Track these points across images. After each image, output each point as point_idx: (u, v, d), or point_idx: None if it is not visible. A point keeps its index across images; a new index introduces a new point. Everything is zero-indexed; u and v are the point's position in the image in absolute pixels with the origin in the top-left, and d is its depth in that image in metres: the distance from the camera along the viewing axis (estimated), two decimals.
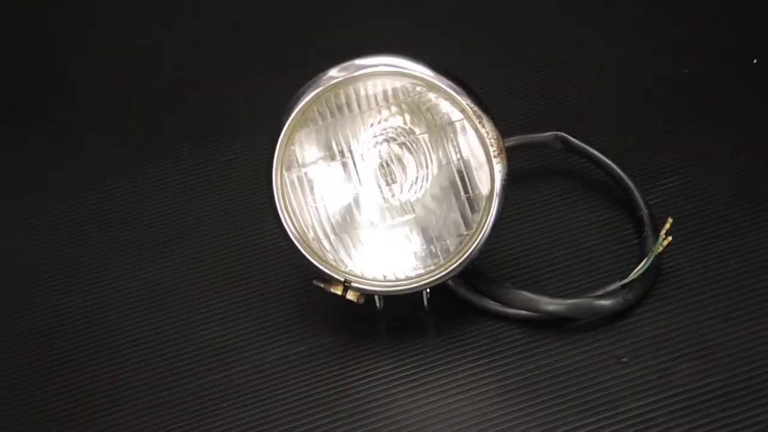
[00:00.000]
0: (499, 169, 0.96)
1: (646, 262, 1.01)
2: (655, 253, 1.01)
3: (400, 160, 0.98)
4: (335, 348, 1.03)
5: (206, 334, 1.05)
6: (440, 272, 0.98)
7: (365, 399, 0.99)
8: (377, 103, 0.96)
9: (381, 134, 0.98)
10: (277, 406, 0.99)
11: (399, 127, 0.98)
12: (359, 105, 0.96)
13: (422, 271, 0.99)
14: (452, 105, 0.95)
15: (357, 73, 0.95)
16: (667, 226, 1.02)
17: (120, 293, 1.10)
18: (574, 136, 1.13)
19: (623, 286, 1.01)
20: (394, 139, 0.98)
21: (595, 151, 1.12)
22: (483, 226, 0.97)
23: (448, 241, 0.98)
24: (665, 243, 1.02)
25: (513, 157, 1.15)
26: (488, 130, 0.96)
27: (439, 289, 1.02)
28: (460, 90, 0.95)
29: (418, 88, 0.95)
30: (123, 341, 1.06)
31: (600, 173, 1.12)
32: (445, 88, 0.95)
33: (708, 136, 1.16)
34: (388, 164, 0.98)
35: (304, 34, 1.38)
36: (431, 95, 0.96)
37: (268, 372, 1.02)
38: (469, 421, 0.96)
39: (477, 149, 0.96)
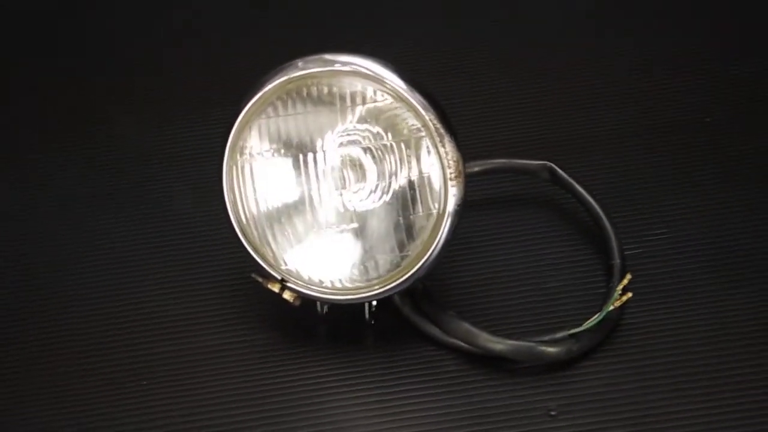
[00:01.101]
0: (453, 192, 0.92)
1: (598, 315, 0.96)
2: (607, 309, 0.95)
3: (361, 166, 0.94)
4: (268, 345, 1.00)
5: (142, 307, 1.03)
6: (378, 289, 0.94)
7: (290, 400, 0.96)
8: (350, 103, 0.92)
9: (347, 135, 0.94)
10: (198, 393, 0.97)
11: (368, 130, 0.94)
12: (331, 101, 0.92)
13: (362, 284, 0.95)
14: (415, 118, 0.91)
15: (325, 69, 0.91)
16: (624, 281, 0.96)
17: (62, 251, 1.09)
18: (564, 169, 1.07)
19: (571, 336, 0.96)
20: (360, 143, 0.94)
21: (580, 188, 1.06)
22: (429, 249, 0.92)
23: (384, 259, 0.94)
24: (624, 299, 0.97)
25: (498, 180, 1.11)
26: (448, 150, 0.91)
27: (384, 303, 0.99)
28: (426, 105, 0.90)
29: (385, 95, 0.91)
30: (54, 298, 1.04)
31: (583, 212, 1.07)
32: (411, 99, 0.90)
33: (703, 193, 1.10)
34: (347, 168, 0.94)
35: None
36: (396, 105, 0.91)
37: (196, 358, 0.99)
38: None
39: (435, 169, 0.92)
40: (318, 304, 0.98)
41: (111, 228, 1.10)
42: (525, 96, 1.21)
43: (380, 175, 0.94)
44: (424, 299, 0.99)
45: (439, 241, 0.92)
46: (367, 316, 0.99)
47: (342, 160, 0.94)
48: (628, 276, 0.97)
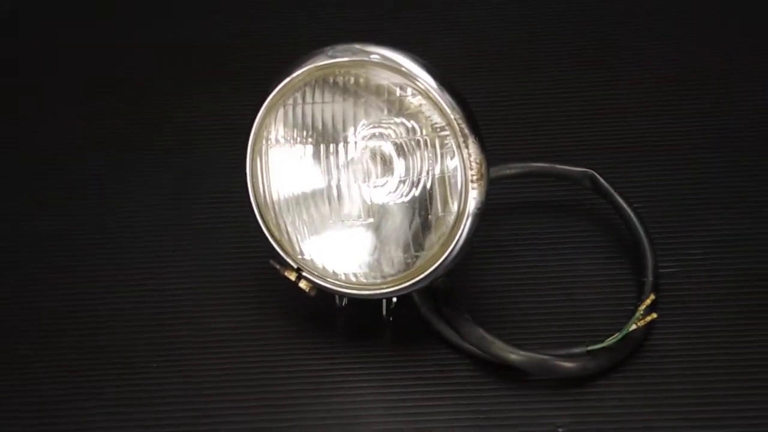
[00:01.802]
0: (474, 195, 0.89)
1: (617, 335, 0.92)
2: (628, 329, 0.92)
3: (388, 160, 0.92)
4: (284, 333, 0.99)
5: (163, 289, 1.03)
6: (393, 287, 0.92)
7: (297, 389, 0.95)
8: (376, 95, 0.90)
9: (376, 128, 0.92)
10: (206, 375, 0.96)
11: (401, 124, 0.92)
12: (357, 92, 0.90)
13: (376, 280, 0.93)
14: (440, 117, 0.89)
15: (353, 59, 0.89)
16: (648, 301, 0.93)
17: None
18: (607, 179, 1.03)
19: (589, 352, 0.93)
20: (389, 137, 0.92)
21: (620, 200, 1.02)
22: (446, 250, 0.90)
23: (399, 257, 0.92)
24: (648, 319, 0.93)
25: (538, 184, 1.08)
26: (471, 151, 0.88)
27: (405, 301, 0.97)
28: (452, 103, 0.88)
29: (412, 90, 0.89)
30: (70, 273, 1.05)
31: (621, 224, 1.03)
32: (437, 96, 0.88)
33: (749, 218, 1.05)
34: (373, 161, 0.92)
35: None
36: (423, 101, 0.89)
37: (210, 340, 0.99)
38: None
39: (457, 169, 0.89)
40: (337, 296, 0.97)
41: (136, 206, 1.10)
42: (575, 101, 1.17)
43: (407, 170, 0.92)
44: (443, 300, 0.97)
45: (456, 242, 0.90)
46: (384, 312, 0.98)
47: (369, 153, 0.92)
48: (652, 296, 0.93)
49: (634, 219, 1.01)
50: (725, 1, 1.27)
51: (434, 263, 0.91)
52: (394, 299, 0.97)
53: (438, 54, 1.20)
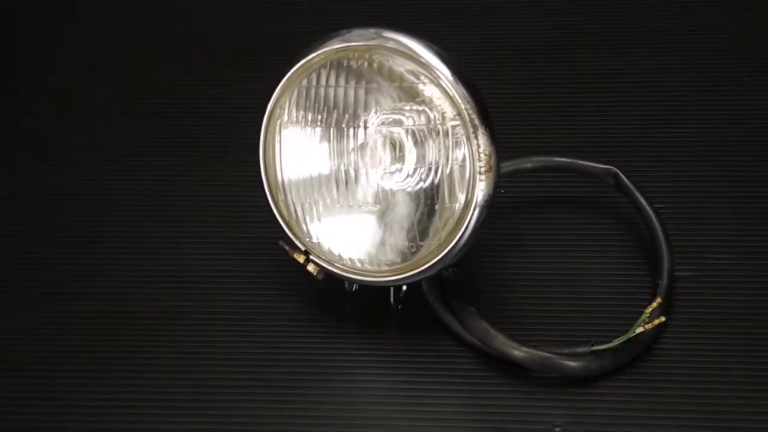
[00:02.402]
0: (481, 187, 0.88)
1: (623, 337, 0.91)
2: (632, 332, 0.90)
3: (400, 147, 0.92)
4: (293, 314, 0.99)
5: (182, 261, 1.04)
6: (398, 275, 0.92)
7: (300, 372, 0.95)
8: (389, 81, 0.90)
9: (391, 114, 0.91)
10: (214, 349, 0.97)
11: (413, 111, 0.91)
12: (371, 77, 0.90)
13: (382, 267, 0.92)
14: (451, 107, 0.88)
15: (366, 43, 0.88)
16: (654, 304, 0.91)
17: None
18: (631, 177, 1.01)
19: (593, 353, 0.91)
20: (403, 123, 0.91)
21: (642, 199, 1.00)
22: (452, 241, 0.89)
23: (404, 245, 0.91)
24: (656, 322, 0.91)
25: (561, 179, 1.07)
26: (481, 143, 0.87)
27: (415, 290, 0.97)
28: (464, 94, 0.87)
29: (425, 79, 0.88)
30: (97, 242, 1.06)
31: (643, 224, 1.01)
32: (449, 86, 0.87)
33: None
34: (386, 147, 0.92)
35: None
36: (435, 90, 0.88)
37: (221, 316, 1.00)
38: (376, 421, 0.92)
39: (466, 160, 0.88)
40: (346, 282, 0.97)
41: (160, 181, 1.11)
42: (606, 96, 1.15)
43: (419, 159, 0.91)
44: (451, 291, 0.96)
45: (463, 234, 0.89)
46: (392, 300, 0.97)
47: (382, 139, 0.92)
48: (659, 299, 0.91)
49: (654, 219, 0.99)
50: None
51: (439, 254, 0.90)
52: (404, 288, 0.97)
53: (469, 43, 1.20)
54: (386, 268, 0.92)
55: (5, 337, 0.99)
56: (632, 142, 1.11)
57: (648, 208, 1.00)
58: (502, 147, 1.07)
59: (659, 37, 1.21)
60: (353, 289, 0.97)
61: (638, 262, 1.01)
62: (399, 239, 0.91)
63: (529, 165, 1.04)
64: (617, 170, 1.02)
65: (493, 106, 1.14)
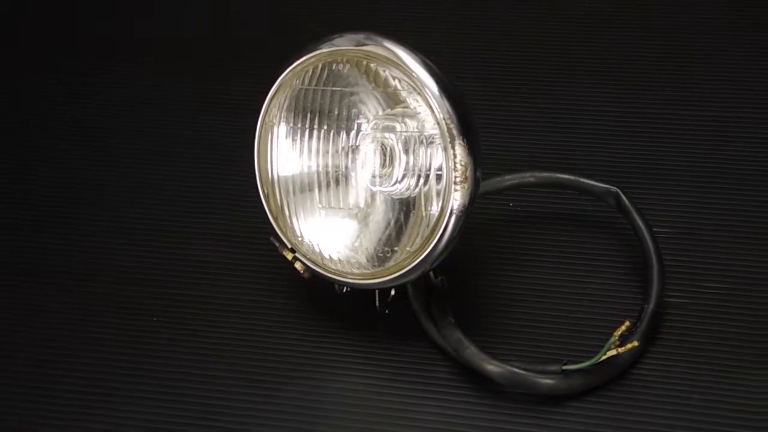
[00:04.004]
0: (456, 197, 0.88)
1: (593, 359, 0.90)
2: (601, 355, 0.89)
3: (391, 153, 0.92)
4: (283, 310, 1.01)
5: (183, 249, 1.07)
6: (373, 279, 0.92)
7: (279, 368, 0.96)
8: (373, 86, 0.91)
9: (382, 120, 0.92)
10: (200, 339, 0.99)
11: (404, 118, 0.92)
12: (356, 81, 0.91)
13: (363, 270, 0.93)
14: (431, 115, 0.88)
15: (353, 48, 0.90)
16: (623, 328, 0.89)
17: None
18: (632, 199, 1.00)
19: (563, 371, 0.91)
20: (394, 129, 0.92)
21: (640, 221, 0.99)
22: (426, 250, 0.90)
23: (379, 249, 0.92)
24: (629, 346, 0.90)
25: (563, 196, 1.06)
26: (457, 153, 0.88)
27: (403, 296, 0.97)
28: (443, 103, 0.87)
29: (407, 86, 0.89)
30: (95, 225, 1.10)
31: (638, 246, 1.00)
32: (428, 95, 0.87)
33: None
34: (374, 152, 0.93)
35: None
36: (417, 98, 0.89)
37: (214, 306, 1.02)
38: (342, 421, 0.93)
39: (443, 170, 0.89)
40: (336, 283, 0.98)
41: (164, 171, 1.14)
42: (616, 116, 1.15)
43: (408, 165, 0.92)
44: (435, 299, 0.97)
45: (438, 242, 0.89)
46: (377, 303, 0.98)
47: (374, 144, 0.93)
48: (627, 323, 0.90)
49: (649, 242, 0.98)
50: None
51: (413, 261, 0.90)
52: (392, 292, 0.98)
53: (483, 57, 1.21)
54: (364, 271, 0.93)
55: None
56: (642, 165, 1.09)
57: (645, 231, 0.99)
58: (505, 161, 1.09)
59: (674, 62, 1.19)
60: (344, 290, 0.99)
61: (632, 285, 0.99)
62: (375, 244, 0.92)
63: (532, 179, 1.04)
64: (618, 190, 1.01)
65: (502, 120, 1.16)
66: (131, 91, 1.25)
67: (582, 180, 1.03)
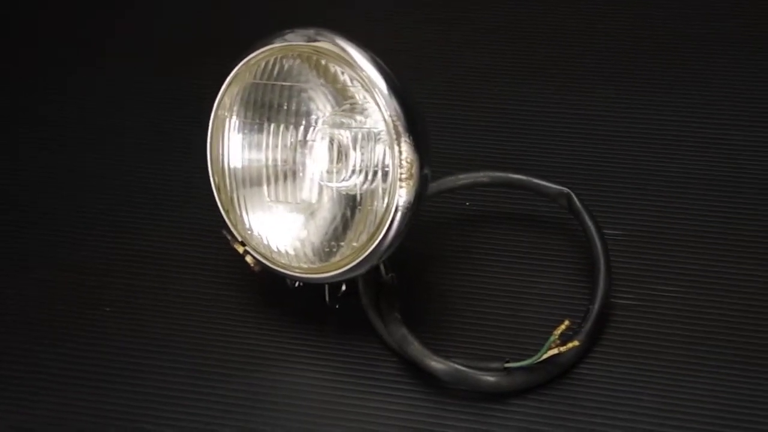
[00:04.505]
0: (401, 194, 0.89)
1: (534, 357, 0.90)
2: (540, 354, 0.90)
3: (342, 149, 0.93)
4: (233, 303, 1.01)
5: (138, 239, 1.08)
6: (320, 274, 0.93)
7: (227, 355, 0.97)
8: (323, 82, 0.92)
9: (333, 115, 0.93)
10: (151, 328, 1.00)
11: (354, 113, 0.92)
12: (305, 77, 0.92)
13: (310, 265, 0.94)
14: (378, 112, 0.89)
15: (302, 43, 0.90)
16: (562, 327, 0.90)
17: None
18: (585, 201, 1.01)
19: (505, 369, 0.91)
20: (346, 125, 0.92)
21: (590, 223, 0.99)
22: (371, 246, 0.90)
23: (324, 244, 0.93)
24: (569, 346, 0.91)
25: (517, 196, 1.07)
26: (403, 150, 0.88)
27: (353, 289, 0.98)
28: (390, 101, 0.88)
29: (356, 83, 0.90)
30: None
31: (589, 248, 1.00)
32: (374, 92, 0.88)
33: (736, 263, 1.00)
34: (327, 147, 0.93)
35: None
36: (365, 95, 0.90)
37: (168, 297, 1.02)
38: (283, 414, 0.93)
39: (390, 167, 0.89)
40: (287, 278, 0.99)
41: (122, 162, 1.16)
42: (567, 120, 1.16)
43: (359, 161, 0.92)
44: (386, 295, 0.97)
45: (383, 239, 0.90)
46: (327, 298, 0.99)
47: (326, 139, 0.93)
48: (566, 322, 0.90)
49: (598, 243, 0.98)
50: None
51: (359, 256, 0.91)
52: (343, 287, 0.98)
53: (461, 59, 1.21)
54: (311, 265, 0.94)
55: None
56: (596, 167, 1.10)
57: (594, 232, 0.99)
58: (462, 161, 1.09)
59: (631, 67, 1.20)
60: (296, 285, 0.99)
61: (580, 286, 1.00)
62: (321, 238, 0.93)
63: (485, 179, 1.05)
64: (570, 192, 1.01)
65: (460, 120, 1.17)
66: (91, 82, 1.26)
67: (535, 180, 1.03)
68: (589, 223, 1.00)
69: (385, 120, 0.88)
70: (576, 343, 0.91)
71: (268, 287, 1.01)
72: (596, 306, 0.95)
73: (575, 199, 1.01)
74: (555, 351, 0.90)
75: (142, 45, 1.32)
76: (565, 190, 1.02)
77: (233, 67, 0.94)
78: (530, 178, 1.04)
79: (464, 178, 1.04)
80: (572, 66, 1.22)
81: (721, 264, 1.00)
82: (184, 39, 1.32)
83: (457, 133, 1.15)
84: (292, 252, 0.94)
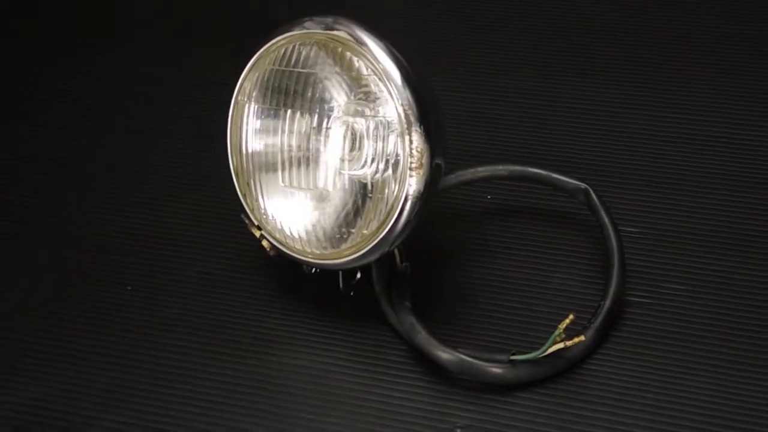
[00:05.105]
0: (411, 183, 0.90)
1: (539, 350, 0.90)
2: (545, 348, 0.90)
3: (360, 136, 0.94)
4: (251, 286, 1.03)
5: (161, 222, 1.10)
6: (331, 260, 0.94)
7: (240, 337, 0.99)
8: (339, 70, 0.92)
9: (356, 103, 0.94)
10: (169, 309, 1.02)
11: (369, 101, 0.93)
12: (332, 64, 0.93)
13: (327, 251, 0.95)
14: (390, 101, 0.90)
15: (318, 31, 0.92)
16: (567, 321, 0.90)
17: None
18: (602, 197, 1.00)
19: (511, 361, 0.92)
20: (362, 113, 0.93)
21: (607, 219, 0.99)
22: (381, 234, 0.91)
23: (334, 230, 0.94)
24: (576, 340, 0.91)
25: (538, 191, 1.07)
26: (414, 139, 0.89)
27: (367, 277, 0.99)
28: (402, 90, 0.89)
29: (370, 72, 0.90)
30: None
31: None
32: (387, 81, 0.89)
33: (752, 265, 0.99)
34: (342, 135, 0.94)
35: None
36: (379, 84, 0.90)
37: (184, 279, 1.04)
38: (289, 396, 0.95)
39: (401, 156, 0.90)
40: (304, 264, 1.00)
41: (145, 145, 1.18)
42: (590, 116, 1.15)
43: (376, 149, 0.93)
44: (398, 284, 0.98)
45: (393, 226, 0.91)
46: (340, 284, 0.99)
47: (343, 126, 0.94)
48: (571, 317, 0.90)
49: (613, 240, 0.98)
50: None
51: (369, 244, 0.92)
52: (358, 275, 0.99)
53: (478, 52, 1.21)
54: (323, 251, 0.95)
55: None
56: (617, 164, 1.10)
57: (610, 229, 0.99)
58: (483, 154, 1.10)
59: (656, 66, 1.20)
60: (312, 271, 1.00)
61: (594, 282, 0.99)
62: (332, 224, 0.94)
63: (504, 172, 1.05)
64: (588, 188, 1.01)
65: (482, 113, 1.17)
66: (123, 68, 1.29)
67: (553, 175, 1.04)
68: (606, 219, 1.00)
69: (397, 110, 0.89)
70: (582, 338, 0.91)
71: (285, 272, 1.02)
72: (607, 302, 0.95)
73: (593, 195, 1.01)
74: (561, 345, 0.91)
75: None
76: (583, 185, 1.02)
77: (254, 53, 0.96)
78: (549, 173, 1.04)
79: (483, 171, 1.05)
80: (595, 62, 1.22)
81: (736, 264, 0.99)
82: (202, 24, 1.35)
83: (478, 126, 1.15)
84: (304, 237, 0.95)
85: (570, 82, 1.19)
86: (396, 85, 0.89)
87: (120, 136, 1.20)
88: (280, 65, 0.94)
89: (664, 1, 1.28)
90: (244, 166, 0.97)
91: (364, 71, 0.91)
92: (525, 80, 1.20)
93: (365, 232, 0.93)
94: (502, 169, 1.05)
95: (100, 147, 1.19)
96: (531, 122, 1.15)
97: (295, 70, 0.94)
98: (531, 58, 1.23)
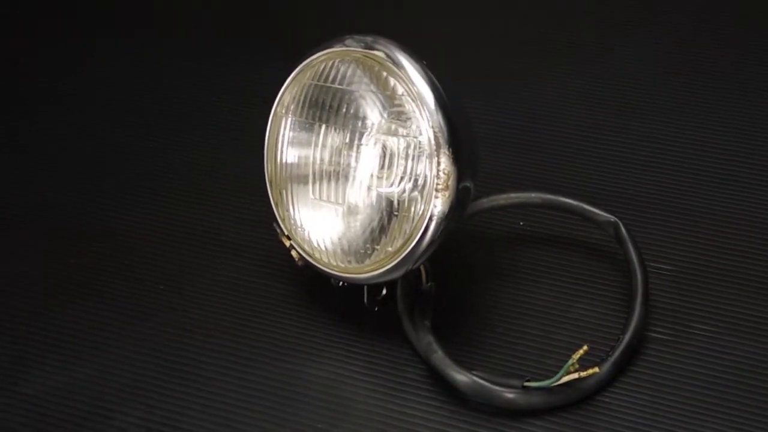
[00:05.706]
0: (436, 204, 0.91)
1: (550, 380, 0.91)
2: (557, 377, 0.90)
3: (392, 155, 0.95)
4: (280, 294, 1.05)
5: (196, 225, 1.13)
6: (354, 275, 0.96)
7: (265, 344, 1.00)
8: (375, 89, 0.94)
9: (390, 122, 0.95)
10: (199, 311, 1.04)
11: (403, 121, 0.95)
12: (368, 82, 0.94)
13: (351, 265, 0.97)
14: (421, 122, 0.91)
15: (357, 50, 0.93)
16: (581, 352, 0.90)
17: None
18: (632, 231, 1.01)
19: (524, 388, 0.92)
20: (396, 132, 0.95)
21: (634, 256, 0.99)
22: (403, 252, 0.92)
23: (358, 246, 0.95)
24: (590, 372, 0.91)
25: (570, 221, 1.07)
26: (441, 161, 0.90)
27: (392, 294, 1.00)
28: (433, 112, 0.90)
29: (404, 92, 0.92)
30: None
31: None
32: (419, 102, 0.90)
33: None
34: (375, 152, 0.96)
35: None
36: (411, 104, 0.92)
37: (217, 282, 1.07)
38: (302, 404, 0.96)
39: (428, 176, 0.91)
40: (332, 277, 1.01)
41: (187, 147, 1.22)
42: (626, 148, 1.16)
43: (406, 168, 0.95)
44: (421, 303, 0.99)
45: (416, 245, 0.92)
46: (365, 299, 1.01)
47: (376, 145, 0.96)
48: (585, 347, 0.90)
49: (639, 275, 0.98)
50: None
51: (392, 261, 0.93)
52: (384, 291, 1.00)
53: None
54: (347, 266, 0.96)
55: None
56: (651, 198, 1.10)
57: (636, 263, 0.99)
58: (517, 180, 1.10)
59: (695, 99, 1.20)
60: (339, 284, 1.02)
61: (617, 316, 1.00)
62: (357, 240, 0.95)
63: (536, 200, 1.06)
64: (618, 221, 1.02)
65: (518, 141, 1.18)
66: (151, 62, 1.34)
67: (584, 206, 1.04)
68: (633, 253, 1.00)
69: (427, 132, 0.90)
70: (596, 369, 0.91)
71: (313, 282, 1.03)
72: (627, 337, 0.95)
73: (622, 228, 1.01)
74: (575, 375, 0.91)
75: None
76: (613, 218, 1.02)
77: (295, 67, 0.98)
78: (580, 203, 1.04)
79: (515, 197, 1.06)
80: (634, 97, 1.22)
81: (761, 308, 0.99)
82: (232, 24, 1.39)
83: (512, 153, 1.16)
84: (330, 249, 0.97)
85: (607, 112, 1.20)
86: (428, 108, 0.90)
87: (164, 132, 1.24)
88: (318, 80, 0.96)
89: (705, 36, 1.28)
90: (278, 176, 0.99)
91: (399, 91, 0.92)
92: (561, 110, 1.21)
93: (389, 249, 0.94)
94: (534, 196, 1.05)
95: (148, 143, 1.23)
96: (566, 152, 1.16)
97: (333, 86, 0.96)
98: (573, 91, 1.24)
